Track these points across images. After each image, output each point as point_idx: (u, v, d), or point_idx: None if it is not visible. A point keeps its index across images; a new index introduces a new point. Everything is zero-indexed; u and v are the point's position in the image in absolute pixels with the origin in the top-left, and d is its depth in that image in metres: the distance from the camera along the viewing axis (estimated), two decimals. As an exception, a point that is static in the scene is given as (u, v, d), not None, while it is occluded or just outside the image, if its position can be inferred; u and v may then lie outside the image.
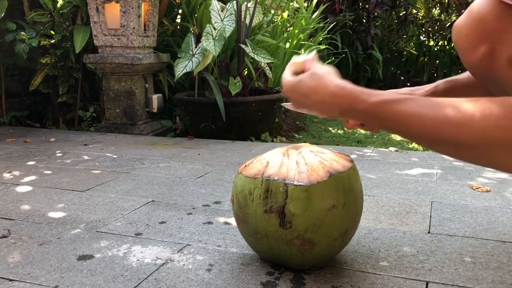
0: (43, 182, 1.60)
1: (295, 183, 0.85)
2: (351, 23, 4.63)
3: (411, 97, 0.75)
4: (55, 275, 0.93)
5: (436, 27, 5.36)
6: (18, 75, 3.00)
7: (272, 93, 2.66)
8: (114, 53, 2.59)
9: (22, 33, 2.60)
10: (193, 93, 2.65)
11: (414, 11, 5.38)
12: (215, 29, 2.42)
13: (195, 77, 2.64)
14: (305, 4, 4.14)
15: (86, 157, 1.98)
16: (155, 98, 2.70)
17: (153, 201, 1.40)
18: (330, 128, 3.03)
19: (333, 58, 4.36)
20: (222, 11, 2.51)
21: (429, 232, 1.14)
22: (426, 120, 0.71)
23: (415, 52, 5.17)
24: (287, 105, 0.92)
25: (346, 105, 0.78)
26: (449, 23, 5.13)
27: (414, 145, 2.47)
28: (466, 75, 0.99)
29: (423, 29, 5.47)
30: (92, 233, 1.15)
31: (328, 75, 0.80)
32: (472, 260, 0.99)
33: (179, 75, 2.41)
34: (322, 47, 3.70)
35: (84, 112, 2.83)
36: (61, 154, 2.04)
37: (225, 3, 2.78)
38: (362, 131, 2.91)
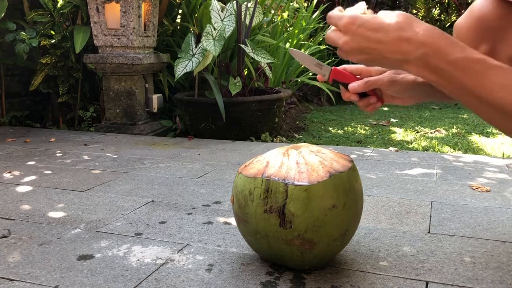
0: (43, 182, 1.60)
1: (295, 183, 0.85)
2: (351, 23, 4.62)
3: (497, 66, 0.70)
4: (55, 275, 0.93)
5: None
6: (18, 75, 3.00)
7: (272, 93, 2.66)
8: (114, 53, 2.59)
9: (22, 33, 2.60)
10: (193, 93, 2.65)
11: (414, 11, 5.38)
12: (215, 29, 2.42)
13: (195, 77, 2.64)
14: (305, 4, 4.15)
15: (86, 157, 1.98)
16: (155, 98, 2.70)
17: (153, 201, 1.40)
18: (330, 128, 3.03)
19: (333, 58, 4.36)
20: (222, 11, 2.51)
21: (429, 232, 1.14)
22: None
23: (415, 52, 5.16)
24: (294, 51, 0.90)
25: (426, 55, 0.71)
26: (449, 23, 5.13)
27: (414, 145, 2.47)
28: None
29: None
30: (92, 233, 1.15)
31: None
32: (472, 260, 0.99)
33: (179, 75, 2.41)
34: (322, 47, 3.70)
35: (84, 112, 2.83)
36: (61, 154, 2.04)
37: (225, 3, 2.79)
38: (362, 131, 2.91)
